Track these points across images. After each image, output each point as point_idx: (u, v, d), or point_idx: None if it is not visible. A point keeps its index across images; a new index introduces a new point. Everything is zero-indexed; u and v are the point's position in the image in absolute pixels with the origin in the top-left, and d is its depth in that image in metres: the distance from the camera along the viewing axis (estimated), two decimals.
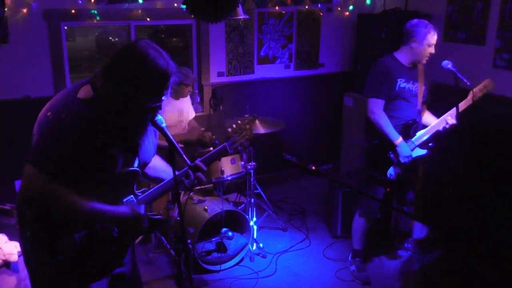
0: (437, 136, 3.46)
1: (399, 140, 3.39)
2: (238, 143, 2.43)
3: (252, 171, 4.10)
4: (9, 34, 3.89)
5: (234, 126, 2.45)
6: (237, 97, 5.09)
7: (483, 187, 0.63)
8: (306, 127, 5.65)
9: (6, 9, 3.81)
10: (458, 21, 4.94)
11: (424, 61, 3.45)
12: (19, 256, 2.99)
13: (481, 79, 3.48)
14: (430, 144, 3.54)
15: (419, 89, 3.50)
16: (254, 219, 4.16)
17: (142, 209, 2.10)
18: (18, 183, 4.17)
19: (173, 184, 2.09)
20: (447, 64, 3.29)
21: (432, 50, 3.41)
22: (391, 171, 3.46)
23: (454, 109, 3.38)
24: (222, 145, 2.37)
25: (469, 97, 3.37)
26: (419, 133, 3.49)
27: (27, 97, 4.13)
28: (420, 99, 3.51)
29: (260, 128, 4.06)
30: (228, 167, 3.95)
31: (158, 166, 2.28)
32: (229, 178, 3.96)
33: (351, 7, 5.41)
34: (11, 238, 3.07)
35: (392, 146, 3.42)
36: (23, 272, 3.04)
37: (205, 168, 2.13)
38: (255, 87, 5.22)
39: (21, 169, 1.80)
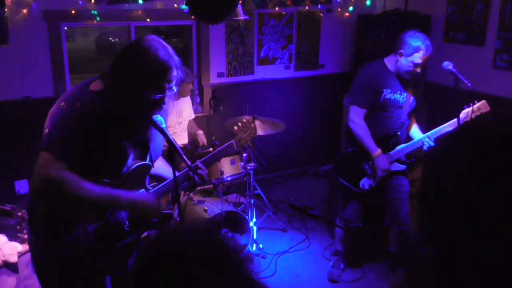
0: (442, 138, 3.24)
1: (378, 152, 3.23)
2: (244, 141, 2.53)
3: (251, 171, 4.09)
4: (9, 34, 3.88)
5: (240, 124, 2.56)
6: (237, 97, 5.09)
7: (486, 190, 0.63)
8: (306, 128, 5.65)
9: (6, 9, 3.81)
10: (458, 22, 4.94)
11: (407, 77, 3.23)
12: (18, 257, 2.99)
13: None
14: (412, 160, 3.37)
15: (407, 99, 3.29)
16: (254, 219, 4.16)
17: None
18: (18, 184, 4.16)
19: (184, 177, 2.18)
20: (448, 65, 3.15)
21: (417, 69, 3.16)
22: (364, 182, 3.34)
23: (437, 128, 3.19)
24: (229, 142, 2.47)
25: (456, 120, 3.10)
26: (399, 147, 3.30)
27: (27, 97, 4.13)
28: (406, 110, 3.31)
29: (259, 129, 4.05)
30: (228, 168, 3.95)
31: (157, 164, 2.33)
32: (229, 178, 3.96)
33: (351, 8, 5.41)
34: (10, 238, 3.06)
35: (368, 157, 3.27)
36: (23, 272, 3.04)
37: (206, 171, 2.23)
38: (255, 88, 5.22)
39: (21, 170, 1.81)
